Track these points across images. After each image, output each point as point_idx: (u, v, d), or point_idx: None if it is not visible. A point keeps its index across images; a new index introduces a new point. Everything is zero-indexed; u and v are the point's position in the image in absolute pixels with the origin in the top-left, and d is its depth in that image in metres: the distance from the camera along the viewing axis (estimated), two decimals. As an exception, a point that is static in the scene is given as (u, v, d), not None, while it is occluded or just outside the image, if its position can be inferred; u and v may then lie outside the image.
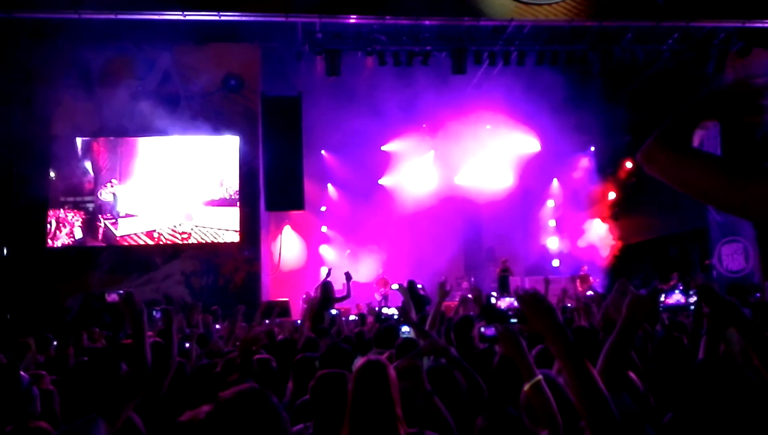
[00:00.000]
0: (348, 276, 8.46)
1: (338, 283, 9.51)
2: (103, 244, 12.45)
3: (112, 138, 12.79)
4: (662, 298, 6.01)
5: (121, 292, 2.50)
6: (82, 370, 3.58)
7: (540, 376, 2.24)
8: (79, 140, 12.59)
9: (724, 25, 12.04)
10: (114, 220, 12.48)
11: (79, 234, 12.39)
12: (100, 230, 12.45)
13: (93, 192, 12.55)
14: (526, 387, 2.24)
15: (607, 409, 1.66)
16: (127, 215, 12.57)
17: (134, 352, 2.31)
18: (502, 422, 2.11)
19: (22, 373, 2.81)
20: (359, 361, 2.55)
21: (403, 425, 2.36)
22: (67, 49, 11.96)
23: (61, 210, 12.36)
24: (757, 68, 12.90)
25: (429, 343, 3.26)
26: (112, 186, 12.66)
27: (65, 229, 12.33)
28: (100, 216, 12.49)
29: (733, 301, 2.21)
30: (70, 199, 12.44)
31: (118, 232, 12.47)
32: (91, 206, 12.48)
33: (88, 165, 12.61)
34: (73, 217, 12.38)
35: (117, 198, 12.61)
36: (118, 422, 2.17)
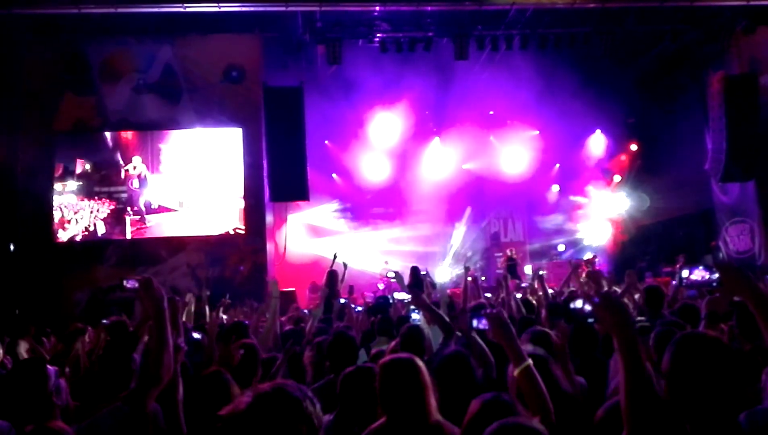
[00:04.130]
0: (344, 265, 8.45)
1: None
2: (126, 238, 12.54)
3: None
4: (686, 274, 6.00)
5: (140, 277, 2.47)
6: (96, 364, 3.62)
7: (529, 361, 2.24)
8: (108, 134, 12.69)
9: (728, 3, 11.89)
10: (140, 216, 12.56)
11: (102, 229, 12.45)
12: (128, 224, 12.52)
13: (124, 182, 12.66)
14: (515, 372, 2.24)
15: (653, 411, 1.69)
16: (162, 208, 12.66)
17: (155, 339, 2.29)
18: (494, 407, 2.11)
19: (48, 366, 2.86)
20: (385, 359, 2.57)
21: (436, 414, 2.37)
22: (68, 44, 11.95)
23: (92, 201, 12.46)
24: (762, 47, 12.77)
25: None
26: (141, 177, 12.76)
27: (81, 221, 12.42)
28: (129, 208, 12.57)
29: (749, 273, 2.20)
30: (105, 189, 12.57)
31: (148, 231, 12.60)
32: (124, 196, 12.59)
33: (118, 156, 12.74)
34: (105, 206, 12.48)
35: (146, 187, 12.69)
36: (143, 409, 2.18)
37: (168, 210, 12.68)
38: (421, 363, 2.47)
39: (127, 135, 12.86)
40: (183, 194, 12.80)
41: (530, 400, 2.18)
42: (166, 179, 12.81)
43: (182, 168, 12.88)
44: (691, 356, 1.80)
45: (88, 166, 12.62)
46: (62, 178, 12.49)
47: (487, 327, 2.96)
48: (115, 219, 12.50)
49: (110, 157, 12.70)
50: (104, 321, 5.93)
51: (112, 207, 12.52)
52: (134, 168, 12.66)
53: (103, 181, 12.60)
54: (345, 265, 10.43)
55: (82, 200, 12.47)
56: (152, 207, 12.64)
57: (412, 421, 2.33)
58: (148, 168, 12.75)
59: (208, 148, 12.94)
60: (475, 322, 3.27)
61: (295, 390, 1.54)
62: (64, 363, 4.23)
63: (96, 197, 12.51)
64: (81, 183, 12.53)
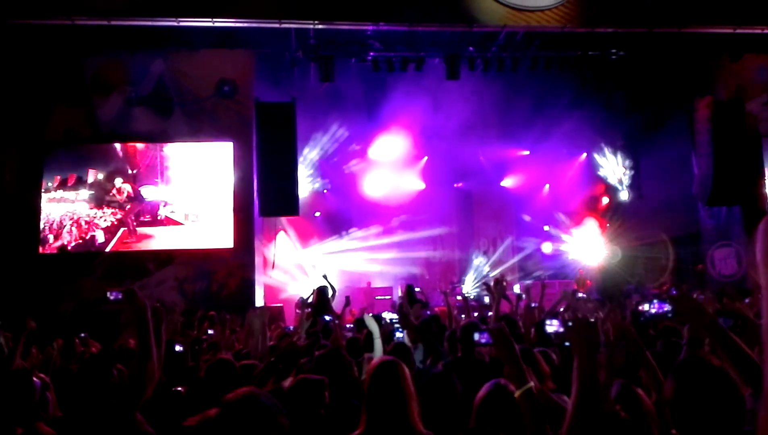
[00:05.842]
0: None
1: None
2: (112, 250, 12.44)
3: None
4: (640, 308, 6.07)
5: (123, 289, 2.47)
6: (74, 375, 3.56)
7: (531, 384, 2.19)
8: (118, 146, 12.65)
9: (716, 31, 12.11)
10: (129, 229, 12.48)
11: (101, 238, 12.36)
12: (116, 236, 12.45)
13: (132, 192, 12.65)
14: (516, 394, 2.18)
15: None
16: (168, 220, 12.60)
17: (139, 349, 2.28)
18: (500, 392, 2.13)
19: (34, 378, 2.82)
20: (374, 361, 2.58)
21: (419, 422, 2.37)
22: (61, 55, 11.93)
23: (101, 209, 12.44)
24: (748, 73, 13.02)
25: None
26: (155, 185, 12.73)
27: (75, 231, 12.30)
28: (129, 219, 12.49)
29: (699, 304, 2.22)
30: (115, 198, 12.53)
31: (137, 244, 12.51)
32: (128, 205, 12.55)
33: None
34: (109, 215, 12.41)
35: (139, 202, 12.64)
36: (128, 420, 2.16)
37: (174, 222, 12.63)
38: (406, 368, 2.48)
39: (134, 144, 12.82)
40: (180, 207, 12.74)
41: (529, 425, 2.12)
42: (173, 190, 12.77)
43: (181, 181, 12.85)
44: (694, 384, 1.77)
45: (100, 176, 12.57)
46: (75, 186, 12.44)
47: (488, 341, 2.92)
48: (118, 229, 12.47)
49: (122, 167, 12.66)
50: (81, 335, 5.86)
51: (119, 216, 12.47)
52: (117, 190, 12.58)
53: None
54: (325, 277, 10.41)
55: (92, 209, 12.43)
56: (159, 218, 12.58)
57: (394, 425, 2.33)
58: (156, 177, 12.70)
59: (200, 161, 12.91)
60: (476, 336, 3.22)
61: (266, 399, 1.53)
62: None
63: (106, 206, 12.49)
64: (92, 192, 12.50)
